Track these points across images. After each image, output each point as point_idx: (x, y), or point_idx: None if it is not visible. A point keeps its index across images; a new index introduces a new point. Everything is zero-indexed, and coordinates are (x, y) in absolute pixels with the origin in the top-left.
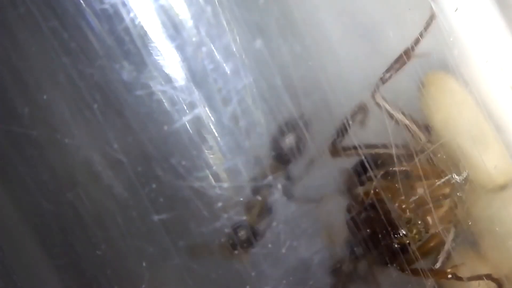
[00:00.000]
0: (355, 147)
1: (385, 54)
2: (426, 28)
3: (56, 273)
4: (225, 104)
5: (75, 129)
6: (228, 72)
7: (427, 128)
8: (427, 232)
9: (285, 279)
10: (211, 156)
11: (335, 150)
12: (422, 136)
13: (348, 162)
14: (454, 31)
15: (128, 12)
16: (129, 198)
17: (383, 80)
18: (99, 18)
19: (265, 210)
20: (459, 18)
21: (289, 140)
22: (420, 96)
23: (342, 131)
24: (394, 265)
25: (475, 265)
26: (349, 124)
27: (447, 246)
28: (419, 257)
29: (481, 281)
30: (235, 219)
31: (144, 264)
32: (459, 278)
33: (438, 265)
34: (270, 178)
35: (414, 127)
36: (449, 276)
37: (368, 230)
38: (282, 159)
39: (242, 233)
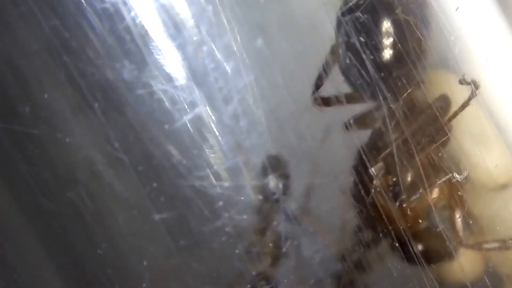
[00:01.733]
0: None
1: None
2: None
3: (57, 272)
4: (226, 103)
5: (76, 128)
6: (229, 71)
7: None
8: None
9: (286, 278)
10: (212, 155)
11: (318, 100)
12: None
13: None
14: (455, 30)
15: (129, 11)
16: (130, 197)
17: None
18: (100, 17)
19: (279, 252)
20: (460, 17)
21: (272, 181)
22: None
23: (320, 79)
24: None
25: (476, 262)
26: (326, 72)
27: None
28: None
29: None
30: (236, 218)
31: (145, 263)
32: None
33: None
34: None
35: None
36: None
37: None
38: (270, 199)
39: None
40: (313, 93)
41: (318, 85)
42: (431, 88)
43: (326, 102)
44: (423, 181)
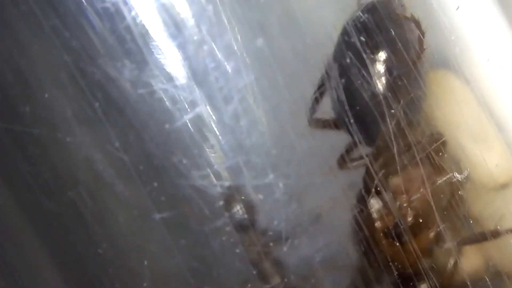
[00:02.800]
0: (361, 157)
1: None
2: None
3: (58, 272)
4: (227, 103)
5: (76, 128)
6: (230, 70)
7: None
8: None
9: (286, 278)
10: (213, 154)
11: (343, 162)
12: None
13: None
14: (456, 30)
15: (130, 10)
16: (130, 196)
17: None
18: (101, 17)
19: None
20: (460, 16)
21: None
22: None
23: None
24: None
25: (476, 261)
26: (321, 95)
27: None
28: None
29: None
30: (236, 218)
31: (145, 262)
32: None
33: None
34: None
35: None
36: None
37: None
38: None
39: None
40: (314, 93)
41: (319, 85)
42: (431, 88)
43: (323, 124)
44: (423, 180)
